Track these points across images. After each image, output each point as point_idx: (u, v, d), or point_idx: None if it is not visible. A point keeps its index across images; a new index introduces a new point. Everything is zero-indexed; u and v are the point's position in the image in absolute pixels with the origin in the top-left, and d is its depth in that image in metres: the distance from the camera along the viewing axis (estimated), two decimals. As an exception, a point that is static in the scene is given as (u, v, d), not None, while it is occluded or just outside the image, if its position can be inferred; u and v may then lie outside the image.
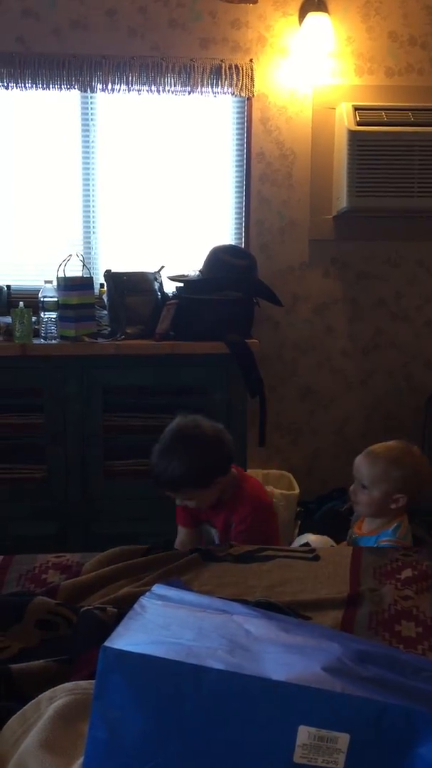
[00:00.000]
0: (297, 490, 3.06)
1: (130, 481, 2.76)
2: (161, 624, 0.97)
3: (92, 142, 3.09)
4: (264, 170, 3.14)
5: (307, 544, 2.12)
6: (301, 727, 0.81)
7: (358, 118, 2.97)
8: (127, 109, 3.09)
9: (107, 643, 0.85)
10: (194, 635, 0.94)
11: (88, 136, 3.09)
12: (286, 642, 0.98)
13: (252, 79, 3.02)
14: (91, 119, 3.08)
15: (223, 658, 0.86)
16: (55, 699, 1.08)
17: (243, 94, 3.04)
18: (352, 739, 0.81)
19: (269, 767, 0.82)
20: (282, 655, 0.92)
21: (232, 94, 3.05)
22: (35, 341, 2.70)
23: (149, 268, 2.92)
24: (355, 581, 1.75)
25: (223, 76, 3.00)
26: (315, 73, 3.08)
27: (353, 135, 2.94)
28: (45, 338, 2.73)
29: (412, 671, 0.99)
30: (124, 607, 1.48)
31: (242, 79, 3.01)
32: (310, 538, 2.18)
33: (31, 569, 1.76)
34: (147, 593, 1.11)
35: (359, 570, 1.81)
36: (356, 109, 3.00)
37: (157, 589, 1.15)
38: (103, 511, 2.76)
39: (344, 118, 2.99)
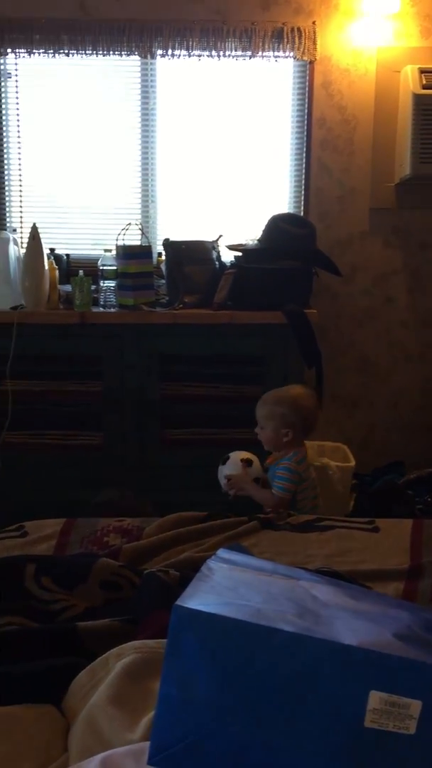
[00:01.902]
0: (352, 463, 3.03)
1: (187, 449, 2.78)
2: (229, 586, 0.98)
3: (152, 109, 3.07)
4: (325, 136, 3.07)
5: (227, 457, 2.44)
6: (372, 692, 0.81)
7: (423, 81, 2.87)
8: (187, 76, 3.06)
9: (179, 602, 0.86)
10: (262, 598, 0.94)
11: (147, 103, 3.07)
12: (355, 608, 0.98)
13: (314, 42, 2.95)
14: (151, 86, 3.06)
15: (293, 622, 0.86)
16: (122, 656, 1.11)
17: (305, 58, 2.98)
18: (425, 706, 0.80)
19: (339, 731, 0.82)
20: (351, 621, 0.91)
21: (294, 57, 2.98)
22: (94, 309, 2.72)
23: (207, 237, 2.91)
24: (416, 553, 1.73)
25: (285, 40, 2.93)
26: (379, 36, 2.98)
27: (418, 99, 2.85)
28: (104, 306, 2.75)
29: None
30: (186, 570, 1.50)
31: (304, 42, 2.94)
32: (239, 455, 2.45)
33: (93, 532, 1.80)
34: (213, 557, 1.12)
35: (420, 542, 1.79)
36: (422, 71, 2.90)
37: (222, 553, 1.16)
38: (159, 479, 2.79)
39: (409, 82, 2.90)
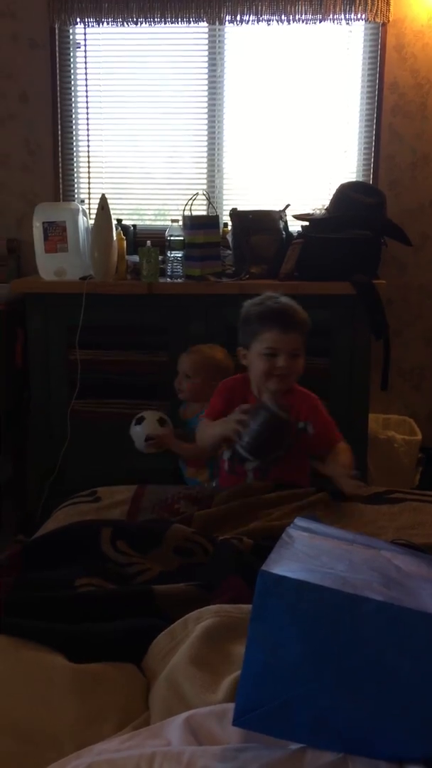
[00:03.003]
0: (419, 436, 2.99)
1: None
2: (311, 554, 0.98)
3: (219, 77, 3.04)
4: (397, 101, 2.99)
5: (142, 418, 2.51)
6: (462, 664, 0.80)
7: None
8: (256, 42, 3.01)
9: (265, 568, 0.87)
10: (346, 567, 0.94)
11: (215, 71, 3.04)
12: (439, 580, 0.97)
13: (388, 4, 2.86)
14: (219, 53, 3.02)
15: (380, 591, 0.86)
16: (201, 620, 1.12)
17: (377, 20, 2.89)
18: None
19: (426, 700, 0.82)
20: (438, 592, 0.90)
21: (366, 20, 2.90)
22: (161, 280, 2.73)
23: (274, 206, 2.87)
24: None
25: (357, 1, 2.85)
26: (456, -6, 2.87)
27: None
28: (171, 277, 2.76)
29: None
30: (257, 538, 1.51)
31: (377, 4, 2.85)
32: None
33: (164, 499, 1.83)
34: (291, 525, 1.12)
35: None
36: None
37: (300, 521, 1.16)
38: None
39: None
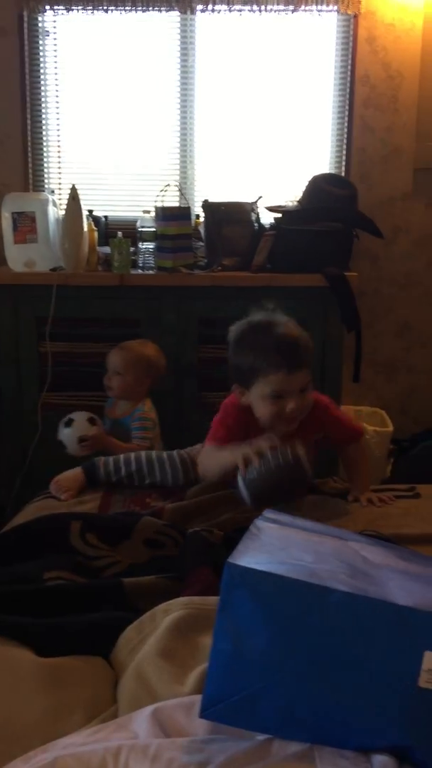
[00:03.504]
0: (390, 428, 3.01)
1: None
2: (279, 546, 0.98)
3: (191, 67, 3.01)
4: (368, 94, 2.99)
5: (70, 420, 2.39)
6: (427, 652, 0.81)
7: (473, 35, 2.77)
8: (227, 32, 2.99)
9: (231, 560, 0.86)
10: (313, 558, 0.94)
11: (186, 60, 3.01)
12: (406, 569, 0.98)
13: (359, -5, 2.86)
14: (190, 43, 3.00)
15: (346, 581, 0.86)
16: (170, 612, 1.12)
17: (349, 12, 2.88)
18: None
19: (392, 690, 0.82)
20: (404, 582, 0.91)
21: (338, 11, 2.89)
22: (133, 272, 2.71)
23: (247, 198, 2.86)
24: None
25: (329, -8, 2.84)
26: (427, -13, 2.88)
27: (467, 54, 2.75)
28: (142, 269, 2.74)
29: None
30: (228, 530, 1.51)
31: (349, -5, 2.85)
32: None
33: (135, 493, 1.81)
34: (260, 516, 1.12)
35: (462, 508, 1.78)
36: (472, 25, 2.80)
37: (269, 513, 1.16)
38: (195, 442, 2.78)
39: (458, 36, 2.79)
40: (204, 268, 2.77)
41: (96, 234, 2.76)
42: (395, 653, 0.81)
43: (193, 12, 2.91)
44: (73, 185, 2.66)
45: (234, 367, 1.73)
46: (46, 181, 3.13)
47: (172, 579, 1.32)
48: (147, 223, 2.72)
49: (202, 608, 1.12)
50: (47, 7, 2.91)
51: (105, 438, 2.38)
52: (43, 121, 3.08)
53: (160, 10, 2.89)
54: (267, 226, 2.83)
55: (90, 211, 2.88)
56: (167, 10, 2.90)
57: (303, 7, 2.86)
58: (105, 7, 2.89)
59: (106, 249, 2.75)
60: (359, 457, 1.92)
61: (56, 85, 3.05)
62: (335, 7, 2.87)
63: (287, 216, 2.80)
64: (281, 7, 2.87)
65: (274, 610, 0.84)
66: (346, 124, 3.05)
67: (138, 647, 1.10)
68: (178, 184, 2.90)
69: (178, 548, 1.46)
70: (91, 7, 2.89)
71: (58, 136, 3.09)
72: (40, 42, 3.02)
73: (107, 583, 1.30)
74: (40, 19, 2.99)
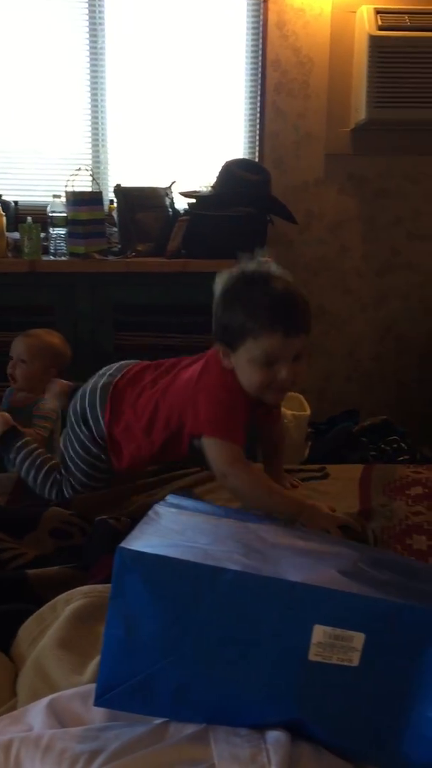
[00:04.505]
0: (308, 411, 3.05)
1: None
2: (176, 530, 0.98)
3: (100, 48, 2.95)
4: (279, 79, 3.00)
5: None
6: (316, 626, 0.82)
7: (379, 22, 2.81)
8: (138, 13, 2.94)
9: (123, 545, 0.85)
10: (209, 540, 0.94)
11: (96, 42, 2.95)
12: (302, 548, 0.99)
13: (268, -21, 2.86)
14: (99, 24, 2.93)
15: (239, 561, 0.87)
16: (71, 601, 1.10)
17: (258, -4, 2.89)
18: (367, 639, 0.81)
19: (283, 665, 0.83)
20: (298, 559, 0.92)
21: (248, -5, 2.89)
22: (44, 258, 2.65)
23: (160, 183, 2.84)
24: (365, 497, 1.76)
25: (238, -24, 2.83)
26: (335, -27, 2.90)
27: (374, 40, 2.79)
28: (54, 255, 2.68)
29: (427, 577, 1.00)
30: (138, 517, 1.49)
31: (258, -21, 2.84)
32: None
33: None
34: (161, 502, 1.11)
35: (369, 487, 1.81)
36: (377, 12, 2.84)
37: (171, 498, 1.15)
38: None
39: (365, 22, 2.83)
40: (118, 253, 2.74)
41: (5, 219, 2.68)
42: (286, 629, 0.82)
43: (101, -8, 2.85)
44: (-21, 169, 2.58)
45: (219, 324, 1.49)
46: None
47: (77, 568, 1.30)
48: (58, 208, 2.66)
49: (104, 596, 1.10)
50: None
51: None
52: None
53: (66, -10, 2.82)
54: (181, 212, 2.81)
55: (-2, 196, 2.80)
56: (74, -10, 2.83)
57: (212, -10, 2.84)
58: (9, -15, 2.80)
59: (16, 235, 2.68)
60: (282, 439, 1.84)
61: (-40, 64, 2.94)
62: (245, -9, 2.87)
63: (201, 201, 2.79)
64: (191, -11, 2.85)
65: (166, 593, 0.83)
66: (258, 109, 3.05)
67: (38, 639, 1.07)
68: (90, 168, 2.85)
69: (85, 537, 1.44)
70: (-6, -16, 2.80)
71: (-36, 118, 2.99)
72: None
73: (10, 575, 1.27)
74: None
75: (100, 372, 1.80)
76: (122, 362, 1.81)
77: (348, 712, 0.83)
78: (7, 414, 1.95)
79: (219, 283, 1.53)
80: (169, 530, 0.96)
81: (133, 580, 0.83)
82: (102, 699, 0.84)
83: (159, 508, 1.05)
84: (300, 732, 0.83)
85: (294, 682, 0.83)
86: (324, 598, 0.82)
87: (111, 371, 1.76)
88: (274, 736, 0.81)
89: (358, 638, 0.82)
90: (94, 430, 1.68)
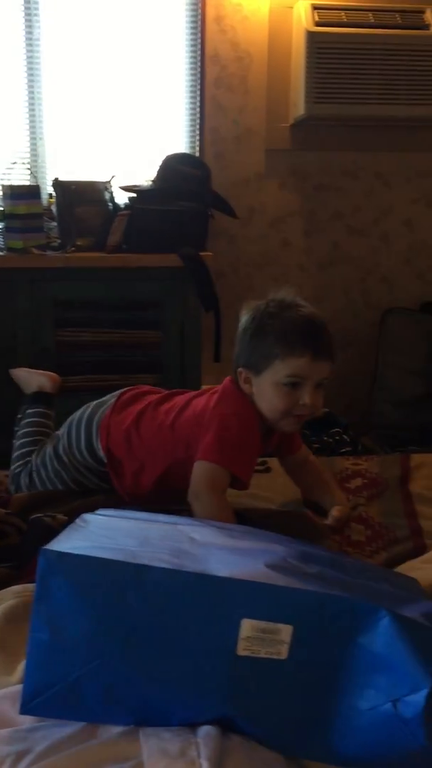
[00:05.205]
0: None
1: (84, 396, 2.71)
2: (104, 534, 0.97)
3: (36, 39, 2.90)
4: (219, 74, 3.00)
5: None
6: (244, 620, 0.82)
7: (316, 18, 2.83)
8: (75, 3, 2.89)
9: (47, 546, 0.84)
10: (138, 542, 0.93)
11: (31, 33, 2.89)
12: (232, 546, 0.99)
13: (206, -27, 2.85)
14: (35, 14, 2.88)
15: (166, 560, 0.86)
16: (3, 601, 1.09)
17: (196, -11, 2.87)
18: (295, 631, 0.82)
19: (212, 662, 0.83)
20: (226, 556, 0.92)
21: (185, -12, 2.87)
22: (-19, 253, 2.60)
23: (100, 177, 2.81)
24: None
25: (176, -31, 2.81)
26: (272, -32, 2.91)
27: (311, 36, 2.81)
28: (-9, 250, 2.63)
29: (355, 570, 1.01)
30: (75, 516, 1.48)
31: (196, -27, 2.83)
32: None
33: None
34: (93, 513, 1.10)
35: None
36: (315, 8, 2.86)
37: (102, 510, 1.15)
38: (55, 428, 2.72)
39: (302, 18, 2.85)
40: (57, 248, 2.70)
41: None
42: (214, 624, 0.82)
43: (36, -18, 2.79)
44: None
45: (247, 348, 1.49)
46: None
47: (13, 568, 1.28)
48: (-6, 202, 2.61)
49: (36, 596, 1.09)
50: None
51: None
52: None
53: (0, -21, 2.76)
54: (122, 206, 2.79)
55: None
56: (8, -21, 2.77)
57: (150, -17, 2.82)
58: None
59: None
60: (317, 469, 1.72)
61: None
62: (183, -16, 2.85)
63: (142, 195, 2.77)
64: (128, -19, 2.82)
65: (93, 594, 0.82)
66: (198, 104, 3.04)
67: (-31, 641, 1.05)
68: (27, 161, 2.80)
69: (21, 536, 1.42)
70: None
71: None
72: None
73: None
74: None
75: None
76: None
77: (278, 706, 0.84)
78: (56, 376, 1.90)
79: (246, 312, 1.55)
80: (96, 535, 0.95)
81: (57, 582, 0.82)
82: (28, 707, 0.83)
83: (87, 516, 1.04)
84: (231, 728, 0.83)
85: (223, 678, 0.83)
86: (251, 591, 0.82)
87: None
88: (205, 730, 0.81)
89: (286, 630, 0.82)
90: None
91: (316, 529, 1.52)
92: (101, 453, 1.63)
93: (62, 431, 1.74)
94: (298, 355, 1.42)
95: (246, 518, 1.49)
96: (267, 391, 1.46)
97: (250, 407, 1.49)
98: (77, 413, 1.75)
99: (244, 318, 1.54)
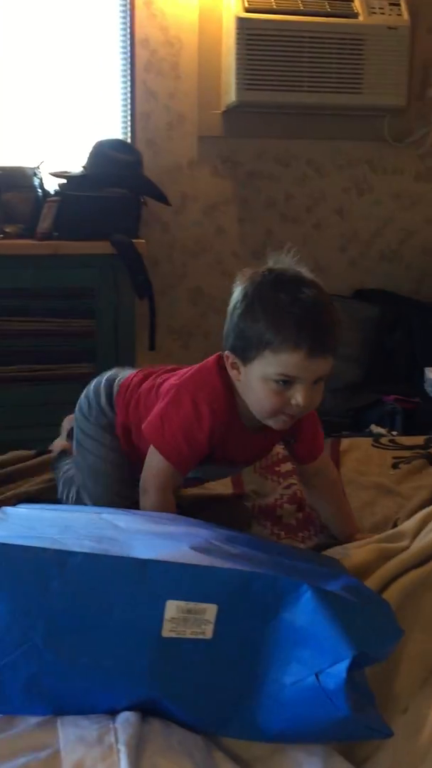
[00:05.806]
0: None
1: (15, 387, 2.68)
2: (24, 525, 0.96)
3: (-41, 19, 2.81)
4: (149, 59, 2.96)
5: None
6: (168, 601, 0.82)
7: (246, 4, 2.82)
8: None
9: (-37, 538, 0.82)
10: (59, 531, 0.92)
11: None
12: (156, 531, 0.99)
13: None
14: (-43, -7, 2.79)
15: (89, 546, 0.85)
16: None
17: (123, -28, 2.83)
18: (220, 609, 0.82)
19: (137, 645, 0.83)
20: (150, 540, 0.92)
21: (113, -29, 2.83)
22: None
23: (28, 162, 2.75)
24: (237, 481, 1.77)
25: None
26: None
27: (241, 22, 2.80)
28: None
29: (277, 551, 1.02)
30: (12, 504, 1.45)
31: None
32: None
33: None
34: (12, 507, 1.09)
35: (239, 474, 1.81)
36: (244, -7, 2.85)
37: (23, 505, 1.13)
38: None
39: (231, 3, 2.84)
40: (-16, 236, 2.63)
41: None
42: (138, 607, 0.82)
43: (-43, -40, 2.70)
44: None
45: (235, 328, 1.28)
46: None
47: None
48: None
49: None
50: None
51: None
52: None
53: None
54: (51, 192, 2.73)
55: None
56: None
57: (77, -36, 2.76)
58: None
59: None
60: (332, 480, 1.51)
61: None
62: (110, -34, 2.80)
63: (72, 182, 2.72)
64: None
65: (13, 583, 0.81)
66: (129, 89, 3.00)
67: None
68: None
69: None
70: None
71: None
72: None
73: None
74: None
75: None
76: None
77: (203, 685, 0.84)
78: (66, 443, 1.70)
79: (240, 281, 1.30)
80: (16, 525, 0.94)
81: (-24, 572, 0.80)
82: None
83: (7, 509, 1.03)
84: (155, 711, 0.83)
85: (148, 660, 0.83)
86: (175, 572, 0.82)
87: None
88: (124, 716, 0.81)
89: (211, 610, 0.82)
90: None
91: (245, 515, 1.53)
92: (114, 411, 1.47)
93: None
94: (291, 349, 1.19)
95: (180, 506, 1.48)
96: (254, 385, 1.25)
97: (222, 396, 1.30)
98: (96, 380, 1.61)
99: (236, 291, 1.30)
